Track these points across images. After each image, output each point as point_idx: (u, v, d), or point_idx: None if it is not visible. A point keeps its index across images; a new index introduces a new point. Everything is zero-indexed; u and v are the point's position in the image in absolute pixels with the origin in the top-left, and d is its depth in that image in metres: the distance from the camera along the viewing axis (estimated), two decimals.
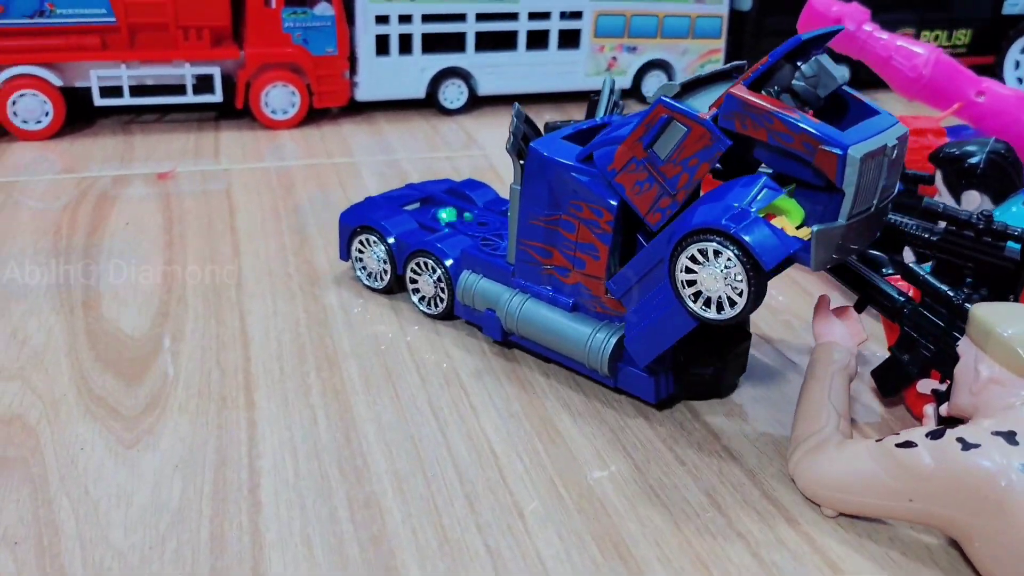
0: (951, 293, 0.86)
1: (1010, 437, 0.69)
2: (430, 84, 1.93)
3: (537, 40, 1.98)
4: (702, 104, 0.83)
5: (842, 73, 0.81)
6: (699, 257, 0.79)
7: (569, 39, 2.00)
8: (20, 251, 1.25)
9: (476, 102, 1.98)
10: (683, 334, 0.86)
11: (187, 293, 1.15)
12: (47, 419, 0.89)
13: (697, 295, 0.81)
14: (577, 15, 1.98)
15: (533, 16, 1.95)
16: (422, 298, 1.11)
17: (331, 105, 1.86)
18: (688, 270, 0.81)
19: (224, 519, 0.77)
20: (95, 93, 1.71)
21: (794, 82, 0.81)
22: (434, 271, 1.08)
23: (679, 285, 0.82)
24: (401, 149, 1.74)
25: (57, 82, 1.67)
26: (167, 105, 1.82)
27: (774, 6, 2.07)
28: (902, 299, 0.89)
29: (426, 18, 1.87)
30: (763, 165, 0.85)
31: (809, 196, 0.80)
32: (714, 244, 0.78)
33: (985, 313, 0.76)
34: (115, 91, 1.72)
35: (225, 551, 0.74)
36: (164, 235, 1.32)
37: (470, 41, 1.92)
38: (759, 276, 0.77)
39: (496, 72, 1.96)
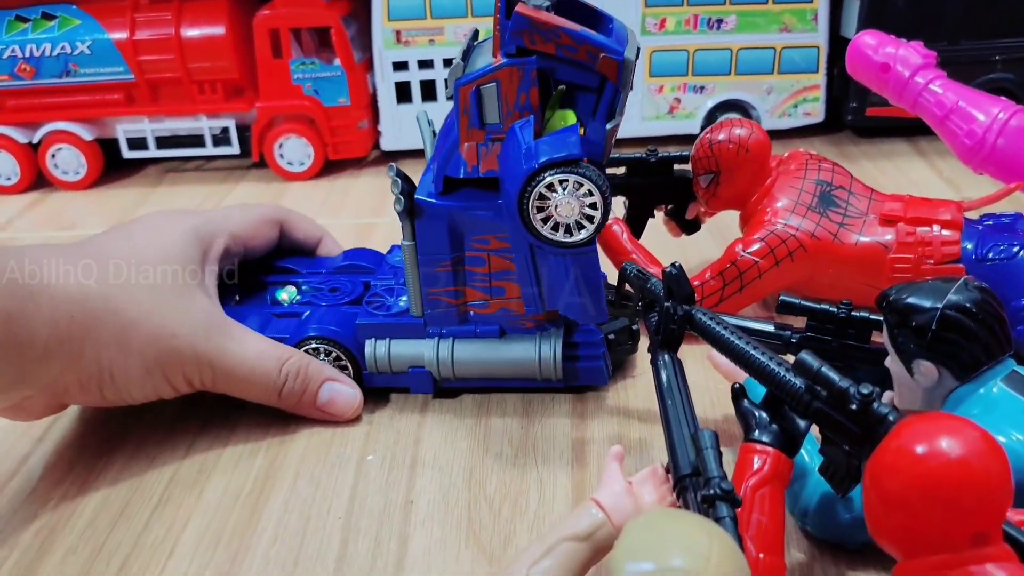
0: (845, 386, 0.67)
1: None
2: None
3: None
4: (485, 63, 0.88)
5: None
6: (546, 193, 0.85)
7: None
8: None
9: None
10: (598, 271, 0.92)
11: None
12: None
13: (556, 227, 0.87)
14: None
15: None
16: None
17: (348, 156, 1.78)
18: (540, 209, 0.86)
19: None
20: (123, 146, 1.78)
21: None
22: (328, 353, 1.02)
23: (537, 226, 0.87)
24: None
25: (88, 136, 1.76)
26: (203, 156, 1.85)
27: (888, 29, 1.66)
28: (808, 397, 0.70)
29: (447, 62, 1.73)
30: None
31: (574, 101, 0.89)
32: (559, 175, 0.84)
33: (623, 536, 0.55)
34: (142, 143, 1.78)
35: None
36: None
37: None
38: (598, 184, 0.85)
39: None
